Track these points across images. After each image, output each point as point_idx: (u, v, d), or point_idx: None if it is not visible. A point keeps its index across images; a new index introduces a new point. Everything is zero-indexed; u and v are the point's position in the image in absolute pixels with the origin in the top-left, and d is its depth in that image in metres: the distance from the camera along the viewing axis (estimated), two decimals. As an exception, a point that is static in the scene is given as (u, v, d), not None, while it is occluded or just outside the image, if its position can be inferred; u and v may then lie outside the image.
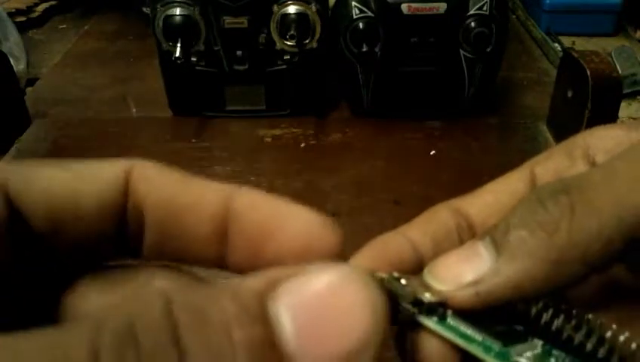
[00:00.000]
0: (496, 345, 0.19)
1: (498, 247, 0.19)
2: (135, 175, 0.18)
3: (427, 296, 0.19)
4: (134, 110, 0.65)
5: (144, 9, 0.72)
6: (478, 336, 0.19)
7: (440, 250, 0.22)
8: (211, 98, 0.62)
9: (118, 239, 0.18)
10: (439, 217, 0.23)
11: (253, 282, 0.14)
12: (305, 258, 0.17)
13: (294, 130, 0.61)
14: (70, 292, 0.18)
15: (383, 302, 0.14)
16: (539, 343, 0.20)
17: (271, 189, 0.54)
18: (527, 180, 0.24)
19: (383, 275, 0.20)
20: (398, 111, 0.62)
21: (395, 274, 0.20)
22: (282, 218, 0.18)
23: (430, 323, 0.19)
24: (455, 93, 0.60)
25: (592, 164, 0.23)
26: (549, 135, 0.60)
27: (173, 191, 0.18)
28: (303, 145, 0.59)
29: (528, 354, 0.19)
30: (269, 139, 0.60)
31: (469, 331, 0.19)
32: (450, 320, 0.20)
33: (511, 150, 0.58)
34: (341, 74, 0.62)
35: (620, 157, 0.19)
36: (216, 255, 0.19)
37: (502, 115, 0.64)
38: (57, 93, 0.68)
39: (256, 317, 0.13)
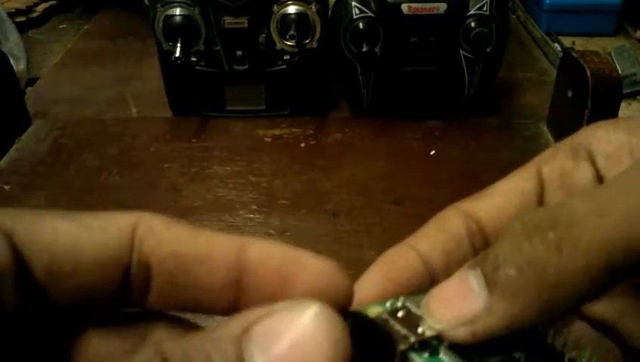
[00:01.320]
0: None
1: (489, 284, 0.18)
2: (141, 228, 0.18)
3: (420, 332, 0.19)
4: (134, 110, 0.65)
5: (145, 1, 0.72)
6: None
7: (452, 261, 0.22)
8: (211, 98, 0.62)
9: (122, 290, 0.18)
10: (449, 225, 0.23)
11: (231, 327, 0.16)
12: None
13: (294, 130, 0.61)
14: (75, 339, 0.18)
15: (344, 342, 0.15)
16: None
17: (271, 189, 0.54)
18: (534, 180, 0.23)
19: (379, 309, 0.20)
20: (398, 111, 0.62)
21: (399, 304, 0.20)
22: (295, 267, 0.19)
23: (420, 360, 0.19)
24: (455, 93, 0.60)
25: (594, 164, 0.23)
26: (549, 135, 0.60)
27: (181, 243, 0.19)
28: (303, 145, 0.59)
29: None
30: (269, 139, 0.60)
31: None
32: (443, 356, 0.19)
33: (511, 150, 0.58)
34: (341, 74, 0.62)
35: (608, 187, 0.19)
36: (228, 304, 0.19)
37: (502, 115, 0.64)
38: (57, 93, 0.68)
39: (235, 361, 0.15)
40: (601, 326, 0.23)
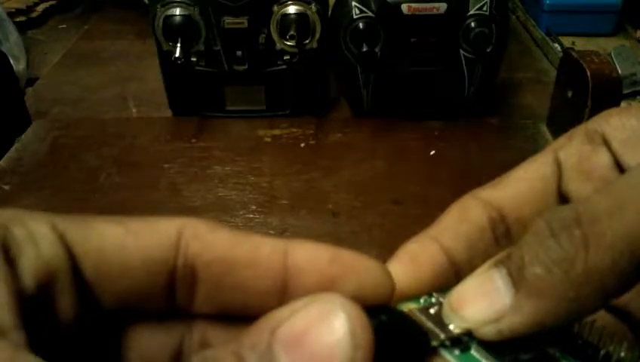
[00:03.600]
0: None
1: (515, 282, 0.18)
2: (187, 233, 0.19)
3: (450, 329, 0.19)
4: (134, 110, 0.65)
5: (145, 1, 0.72)
6: None
7: (475, 252, 0.22)
8: (211, 98, 0.62)
9: (168, 294, 0.19)
10: (470, 215, 0.23)
11: (261, 334, 0.16)
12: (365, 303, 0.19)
13: (294, 130, 0.61)
14: (123, 334, 0.19)
15: (365, 333, 0.16)
16: None
17: (271, 189, 0.54)
18: (552, 165, 0.23)
19: (413, 305, 0.20)
20: (398, 112, 0.62)
21: (432, 300, 0.20)
22: (341, 268, 0.19)
23: (451, 357, 0.19)
24: (455, 93, 0.60)
25: (610, 149, 0.23)
26: (549, 135, 0.60)
27: (227, 248, 0.19)
28: (302, 145, 0.59)
29: None
30: (269, 139, 0.60)
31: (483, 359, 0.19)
32: (474, 352, 0.19)
33: (511, 150, 0.58)
34: (341, 74, 0.62)
35: (627, 180, 0.19)
36: (275, 306, 0.19)
37: (502, 115, 0.64)
38: (57, 93, 0.68)
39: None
40: (612, 309, 0.23)
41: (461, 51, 0.57)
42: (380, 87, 0.60)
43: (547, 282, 0.18)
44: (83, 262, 0.17)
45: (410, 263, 0.22)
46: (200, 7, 0.56)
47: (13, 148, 0.58)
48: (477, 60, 0.58)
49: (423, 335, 0.19)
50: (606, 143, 0.23)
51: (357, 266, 0.19)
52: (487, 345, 0.19)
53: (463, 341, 0.19)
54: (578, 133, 0.24)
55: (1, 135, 0.58)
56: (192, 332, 0.20)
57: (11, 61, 0.61)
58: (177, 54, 0.55)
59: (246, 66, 0.59)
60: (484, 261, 0.21)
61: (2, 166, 0.56)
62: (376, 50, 0.57)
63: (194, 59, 0.58)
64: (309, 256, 0.19)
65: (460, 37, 0.57)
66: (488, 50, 0.57)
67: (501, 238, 0.23)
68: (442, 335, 0.19)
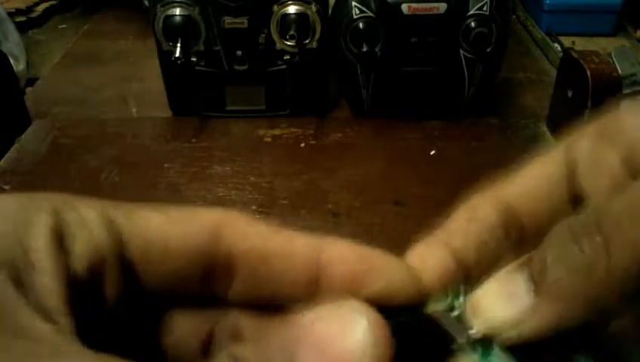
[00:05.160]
0: None
1: (537, 286, 0.19)
2: (227, 224, 0.20)
3: (471, 333, 0.20)
4: (134, 110, 0.65)
5: (145, 2, 0.72)
6: None
7: (486, 252, 0.22)
8: (211, 98, 0.62)
9: (206, 281, 0.20)
10: (480, 214, 0.23)
11: (287, 336, 0.17)
12: (391, 303, 0.20)
13: (294, 130, 0.61)
14: (161, 317, 0.20)
15: (384, 340, 0.17)
16: None
17: (271, 189, 0.54)
18: (563, 163, 0.23)
19: (436, 308, 0.20)
20: (398, 112, 0.62)
21: (459, 299, 0.20)
22: (369, 268, 0.20)
23: (470, 361, 0.20)
24: (455, 93, 0.60)
25: (622, 148, 0.22)
26: (549, 135, 0.60)
27: (264, 240, 0.20)
28: (302, 145, 0.59)
29: None
30: (269, 139, 0.60)
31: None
32: (495, 357, 0.20)
33: (511, 150, 0.58)
34: (341, 74, 0.62)
35: None
36: (306, 300, 0.20)
37: (502, 115, 0.64)
38: (57, 93, 0.68)
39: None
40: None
41: (461, 51, 0.57)
42: (380, 87, 0.60)
43: (569, 285, 0.18)
44: (129, 247, 0.18)
45: (417, 268, 0.22)
46: (200, 7, 0.56)
47: (13, 148, 0.58)
48: (477, 60, 0.58)
49: (444, 338, 0.20)
50: (619, 142, 0.22)
51: (385, 266, 0.20)
52: (507, 351, 0.19)
53: (483, 344, 0.20)
54: (590, 130, 0.23)
55: (1, 135, 0.58)
56: (224, 319, 0.20)
57: (11, 61, 0.61)
58: (177, 54, 0.55)
59: (246, 66, 0.59)
60: (495, 260, 0.22)
61: (2, 166, 0.56)
62: (376, 50, 0.57)
63: (194, 59, 0.58)
64: (340, 252, 0.20)
65: (460, 37, 0.57)
66: (488, 50, 0.57)
67: (513, 236, 0.23)
68: (462, 340, 0.19)
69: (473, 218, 0.23)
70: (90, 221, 0.18)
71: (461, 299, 0.21)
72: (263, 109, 0.62)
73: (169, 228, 0.19)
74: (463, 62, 0.58)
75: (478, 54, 0.57)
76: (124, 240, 0.18)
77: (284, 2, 0.56)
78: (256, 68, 0.60)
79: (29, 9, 0.85)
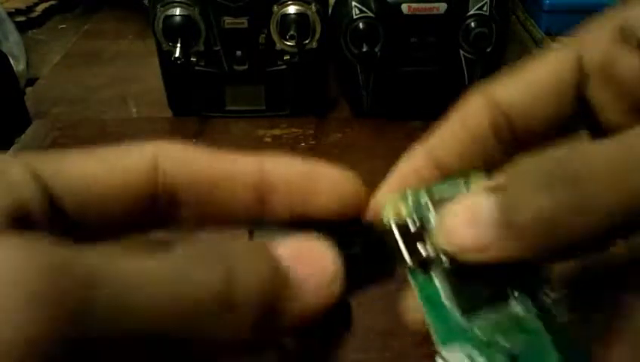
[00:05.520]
0: (454, 318, 0.20)
1: (503, 220, 0.18)
2: (162, 156, 0.19)
3: (422, 251, 0.20)
4: (134, 110, 0.65)
5: (144, 1, 0.72)
6: (447, 302, 0.20)
7: (475, 162, 0.22)
8: (211, 98, 0.62)
9: (151, 216, 0.19)
10: (473, 122, 0.23)
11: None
12: (338, 212, 0.20)
13: (294, 130, 0.61)
14: None
15: (337, 262, 0.18)
16: (504, 316, 0.20)
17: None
18: (573, 67, 0.22)
19: (393, 219, 0.20)
20: (398, 112, 0.62)
21: (414, 216, 0.20)
22: (316, 181, 0.20)
23: (414, 280, 0.20)
24: (455, 93, 0.60)
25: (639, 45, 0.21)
26: (549, 135, 0.60)
27: (204, 166, 0.20)
28: (302, 145, 0.59)
29: (478, 332, 0.20)
30: (269, 139, 0.60)
31: (441, 293, 0.20)
32: (436, 279, 0.20)
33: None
34: (341, 74, 0.62)
35: (631, 138, 0.18)
36: (255, 217, 0.20)
37: (502, 115, 0.64)
38: (57, 93, 0.68)
39: (267, 255, 0.17)
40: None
41: (461, 51, 0.57)
42: (379, 87, 0.60)
43: (532, 231, 0.18)
44: (60, 196, 0.18)
45: (401, 181, 0.23)
46: (200, 7, 0.56)
47: (13, 148, 0.58)
48: (477, 60, 0.58)
49: (396, 254, 0.20)
50: (634, 36, 0.21)
51: (330, 178, 0.21)
52: (452, 274, 0.20)
53: (429, 265, 0.20)
54: (609, 26, 0.22)
55: (1, 135, 0.58)
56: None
57: (11, 61, 0.61)
58: (177, 54, 0.55)
59: (246, 66, 0.59)
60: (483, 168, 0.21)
61: (2, 166, 0.56)
62: (376, 50, 0.57)
63: (194, 59, 0.58)
64: (284, 168, 0.20)
65: (460, 37, 0.57)
66: (488, 50, 0.57)
67: (507, 145, 0.23)
68: (409, 261, 0.20)
69: (465, 126, 0.23)
70: (11, 175, 0.17)
71: (428, 213, 0.21)
72: (262, 109, 0.62)
73: (103, 170, 0.18)
74: (463, 62, 0.58)
75: (478, 54, 0.57)
76: (55, 192, 0.18)
77: (284, 2, 0.56)
78: (256, 68, 0.60)
79: (29, 9, 0.85)
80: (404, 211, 0.21)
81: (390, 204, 0.21)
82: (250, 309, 0.16)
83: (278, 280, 0.17)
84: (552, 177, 0.18)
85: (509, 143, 0.23)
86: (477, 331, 0.20)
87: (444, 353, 0.20)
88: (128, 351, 0.14)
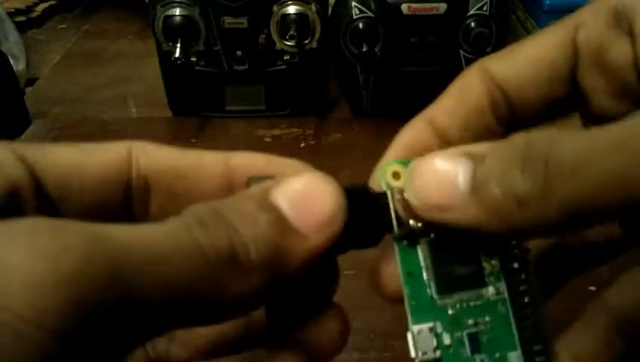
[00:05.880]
0: (429, 294, 0.20)
1: (474, 188, 0.19)
2: (136, 151, 0.21)
3: (409, 222, 0.20)
4: (134, 110, 0.65)
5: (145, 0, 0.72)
6: (426, 278, 0.20)
7: (472, 134, 0.22)
8: (211, 98, 0.62)
9: (125, 205, 0.21)
10: (471, 94, 0.23)
11: (256, 189, 0.19)
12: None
13: (294, 130, 0.61)
14: None
15: (340, 191, 0.19)
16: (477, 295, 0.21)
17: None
18: (568, 48, 0.22)
19: (383, 189, 0.21)
20: (398, 112, 0.62)
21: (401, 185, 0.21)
22: (277, 170, 0.21)
23: (397, 247, 0.21)
24: (455, 93, 0.60)
25: (634, 43, 0.21)
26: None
27: (173, 159, 0.21)
28: (302, 145, 0.59)
29: (449, 311, 0.20)
30: (269, 139, 0.60)
31: (422, 269, 0.20)
32: (420, 249, 0.21)
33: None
34: (341, 74, 0.62)
35: (609, 131, 0.18)
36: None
37: (502, 115, 0.64)
38: (57, 93, 0.68)
39: (268, 206, 0.18)
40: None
41: (461, 51, 0.57)
42: (379, 87, 0.60)
43: (499, 204, 0.18)
44: (44, 180, 0.19)
45: (402, 152, 0.23)
46: (200, 7, 0.56)
47: (13, 148, 0.58)
48: (477, 60, 0.58)
49: (385, 219, 0.21)
50: (631, 34, 0.21)
51: (288, 167, 0.22)
52: (435, 250, 0.20)
53: (414, 235, 0.20)
54: (605, 7, 0.22)
55: (1, 135, 0.58)
56: None
57: (11, 61, 0.61)
58: (177, 54, 0.55)
59: (246, 66, 0.59)
60: (482, 141, 0.21)
61: (2, 166, 0.56)
62: (376, 50, 0.57)
63: (194, 59, 0.58)
64: (247, 160, 0.22)
65: (460, 37, 0.57)
66: (488, 50, 0.57)
67: (503, 119, 0.23)
68: (397, 229, 0.20)
69: (463, 98, 0.23)
70: (0, 158, 0.18)
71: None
72: (262, 109, 0.62)
73: (83, 159, 0.20)
74: (463, 62, 0.58)
75: (478, 54, 0.57)
76: (39, 176, 0.19)
77: (283, 2, 0.56)
78: (256, 68, 0.60)
79: (29, 9, 0.85)
80: (402, 180, 0.21)
81: (389, 169, 0.21)
82: (258, 265, 0.17)
83: (280, 232, 0.18)
84: (528, 159, 0.18)
85: (507, 119, 0.23)
86: (449, 310, 0.20)
87: (413, 327, 0.20)
88: (155, 311, 0.15)
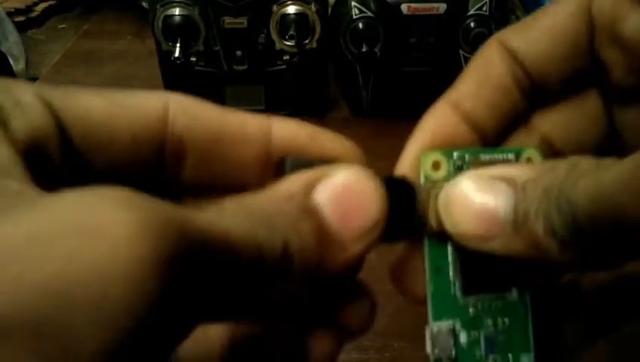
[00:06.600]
0: (453, 293, 0.20)
1: (515, 222, 0.18)
2: (173, 107, 0.19)
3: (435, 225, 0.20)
4: (134, 110, 0.65)
5: (143, 3, 0.72)
6: (453, 277, 0.20)
7: (500, 114, 0.22)
8: (211, 98, 0.61)
9: (157, 165, 0.19)
10: (493, 73, 0.22)
11: (294, 187, 0.18)
12: None
13: (294, 130, 0.61)
14: None
15: (384, 194, 0.19)
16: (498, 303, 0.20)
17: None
18: (584, 19, 0.21)
19: (419, 184, 0.20)
20: (398, 112, 0.62)
21: (465, 158, 0.20)
22: (320, 147, 0.21)
23: (427, 243, 0.20)
24: (455, 93, 0.60)
25: None
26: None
27: (213, 122, 0.20)
28: (302, 145, 0.59)
29: (471, 310, 0.20)
30: (268, 139, 0.60)
31: (450, 267, 0.20)
32: (450, 252, 0.20)
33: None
34: (341, 74, 0.62)
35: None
36: (258, 180, 0.20)
37: (501, 115, 0.64)
38: (57, 93, 0.68)
39: (310, 211, 0.17)
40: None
41: (460, 51, 0.57)
42: (379, 87, 0.60)
43: (542, 242, 0.17)
44: (70, 130, 0.18)
45: (427, 138, 0.22)
46: (200, 7, 0.56)
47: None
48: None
49: (419, 216, 0.20)
50: None
51: (333, 144, 0.21)
52: (466, 252, 0.20)
53: (447, 236, 0.20)
54: None
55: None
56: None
57: (11, 61, 0.61)
58: (177, 54, 0.55)
59: (246, 66, 0.59)
60: (511, 120, 0.21)
61: (2, 166, 0.55)
62: (376, 50, 0.57)
63: (193, 59, 0.58)
64: (291, 132, 0.20)
65: (460, 37, 0.57)
66: (488, 50, 0.57)
67: (527, 92, 0.22)
68: (434, 224, 0.20)
69: (486, 80, 0.22)
70: (26, 102, 0.17)
71: (466, 158, 0.20)
72: (262, 109, 0.62)
73: (113, 112, 0.18)
74: (463, 62, 0.58)
75: (478, 54, 0.57)
76: (66, 126, 0.18)
77: (283, 2, 0.56)
78: (256, 68, 0.59)
79: (28, 9, 0.85)
80: (442, 171, 0.20)
81: (429, 160, 0.21)
82: (297, 274, 0.17)
83: (321, 242, 0.17)
84: (560, 198, 0.17)
85: (530, 95, 0.22)
86: (470, 309, 0.20)
87: (433, 324, 0.20)
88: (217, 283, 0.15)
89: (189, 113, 0.20)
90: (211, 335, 0.20)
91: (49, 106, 0.17)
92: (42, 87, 0.18)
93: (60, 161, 0.17)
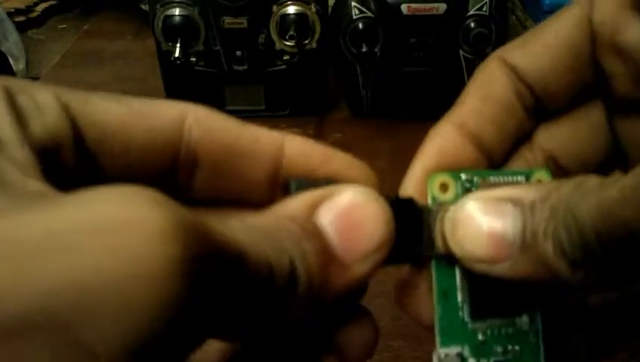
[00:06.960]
0: (461, 317, 0.20)
1: (524, 243, 0.18)
2: (190, 118, 0.19)
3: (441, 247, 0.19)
4: (134, 110, 0.65)
5: (142, 6, 0.72)
6: (461, 301, 0.20)
7: (505, 132, 0.21)
8: (211, 98, 0.62)
9: (169, 174, 0.19)
10: (495, 91, 0.22)
11: (298, 207, 0.18)
12: None
13: (294, 130, 0.61)
14: None
15: (390, 216, 0.18)
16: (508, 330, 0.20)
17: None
18: (585, 29, 0.21)
19: (427, 206, 0.20)
20: (398, 112, 0.62)
21: (472, 182, 0.20)
22: (333, 169, 0.20)
23: (434, 265, 0.20)
24: (454, 93, 0.60)
25: None
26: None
27: (228, 135, 0.20)
28: (302, 145, 0.59)
29: (480, 336, 0.20)
30: (268, 140, 0.60)
31: (458, 291, 0.20)
32: (459, 275, 0.20)
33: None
34: (340, 74, 0.62)
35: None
36: (266, 197, 0.20)
37: (501, 115, 0.64)
38: (57, 93, 0.68)
39: (313, 231, 0.17)
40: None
41: (460, 52, 0.57)
42: (379, 87, 0.60)
43: (552, 263, 0.17)
44: (86, 135, 0.18)
45: (432, 160, 0.22)
46: (200, 7, 0.56)
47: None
48: (476, 61, 0.58)
49: (426, 237, 0.20)
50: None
51: (347, 168, 0.21)
52: (475, 275, 0.19)
53: (455, 259, 0.19)
54: None
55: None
56: None
57: (11, 61, 0.61)
58: (177, 54, 0.55)
59: (246, 66, 0.59)
60: (517, 138, 0.21)
61: (2, 166, 0.55)
62: (376, 50, 0.57)
63: (193, 59, 0.58)
64: (303, 151, 0.20)
65: (460, 37, 0.57)
66: (488, 50, 0.57)
67: (531, 109, 0.22)
68: (441, 247, 0.19)
69: (488, 96, 0.22)
70: (44, 105, 0.17)
71: (474, 182, 0.20)
72: (262, 109, 0.62)
73: (130, 120, 0.18)
74: (463, 62, 0.58)
75: (478, 55, 0.57)
76: (82, 130, 0.18)
77: (283, 2, 0.56)
78: (256, 68, 0.59)
79: (29, 9, 0.85)
80: (450, 193, 0.20)
81: (436, 181, 0.20)
82: (301, 298, 0.16)
83: (324, 263, 0.17)
84: (567, 216, 0.17)
85: (535, 112, 0.22)
86: (479, 335, 0.20)
87: (440, 350, 0.19)
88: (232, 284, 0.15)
89: (204, 125, 0.20)
90: (209, 355, 0.20)
91: (66, 110, 0.17)
92: (61, 90, 0.18)
93: (74, 164, 0.17)
